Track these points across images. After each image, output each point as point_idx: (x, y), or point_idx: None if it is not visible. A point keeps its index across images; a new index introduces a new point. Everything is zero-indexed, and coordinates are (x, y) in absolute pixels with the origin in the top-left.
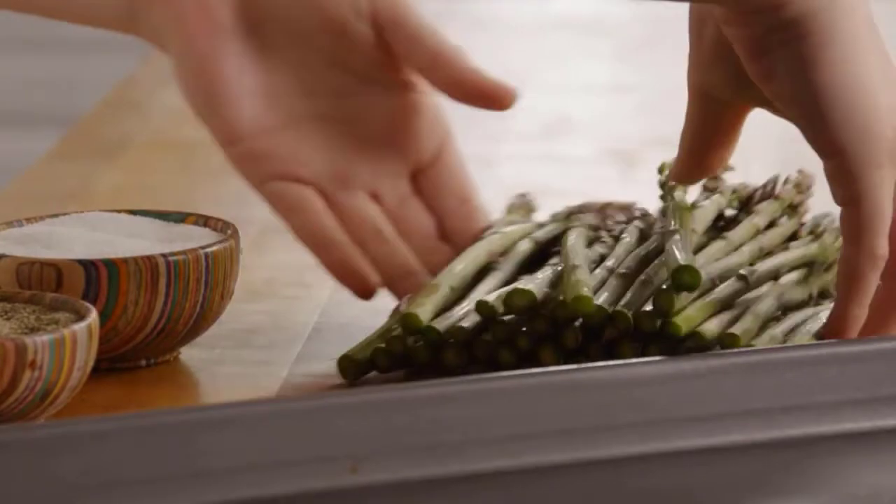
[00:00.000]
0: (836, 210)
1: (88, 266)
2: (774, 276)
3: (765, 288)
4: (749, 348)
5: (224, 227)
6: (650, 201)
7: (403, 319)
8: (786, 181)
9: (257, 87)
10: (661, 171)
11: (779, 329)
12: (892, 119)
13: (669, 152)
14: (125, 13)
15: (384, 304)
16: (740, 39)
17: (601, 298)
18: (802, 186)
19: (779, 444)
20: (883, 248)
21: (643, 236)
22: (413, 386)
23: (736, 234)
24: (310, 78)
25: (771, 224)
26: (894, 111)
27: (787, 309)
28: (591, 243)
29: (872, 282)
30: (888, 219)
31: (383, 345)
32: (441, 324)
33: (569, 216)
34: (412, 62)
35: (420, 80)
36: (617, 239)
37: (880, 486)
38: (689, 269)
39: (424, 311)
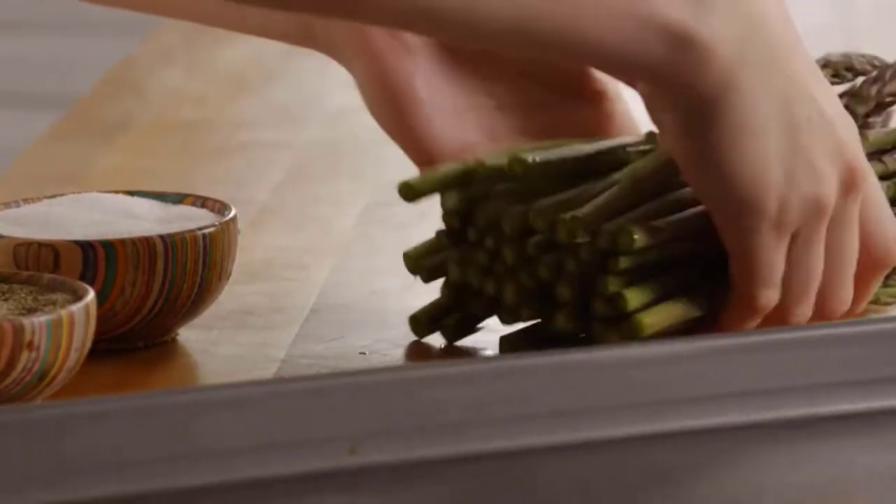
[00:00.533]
0: None
1: (86, 247)
2: None
3: None
4: (749, 330)
5: (222, 209)
6: None
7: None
8: None
9: (449, 104)
10: None
11: None
12: (779, 189)
13: None
14: (300, 28)
15: (383, 286)
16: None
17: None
18: None
19: (772, 425)
20: (763, 299)
21: None
22: (411, 367)
23: None
24: (502, 92)
25: None
26: (790, 179)
27: None
28: None
29: (749, 324)
30: (767, 273)
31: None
32: None
33: None
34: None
35: (611, 88)
36: None
37: (873, 467)
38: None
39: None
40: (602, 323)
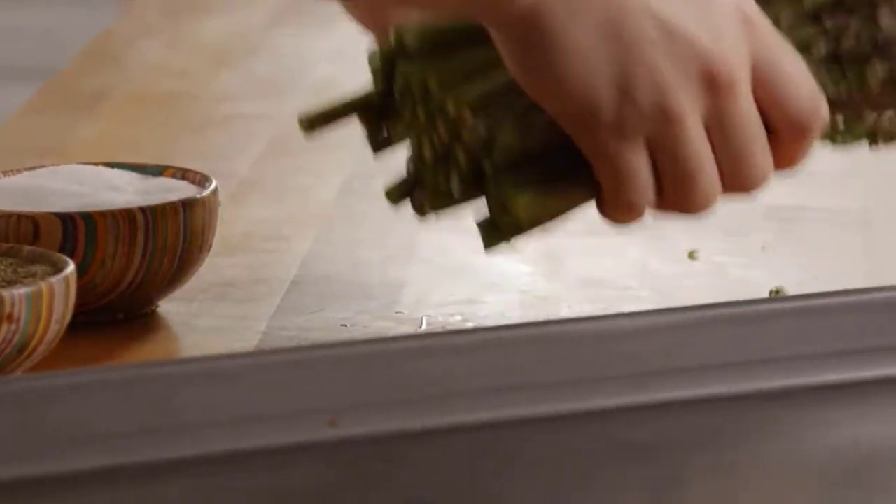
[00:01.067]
0: None
1: (66, 219)
2: None
3: None
4: (728, 301)
5: (203, 181)
6: None
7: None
8: None
9: None
10: None
11: None
12: (611, 102)
13: None
14: None
15: (365, 256)
16: None
17: None
18: None
19: (758, 396)
20: (625, 200)
21: None
22: (392, 339)
23: None
24: None
25: None
26: (624, 91)
27: None
28: None
29: (630, 218)
30: (623, 177)
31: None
32: None
33: None
34: None
35: None
36: None
37: (860, 438)
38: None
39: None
40: (491, 200)
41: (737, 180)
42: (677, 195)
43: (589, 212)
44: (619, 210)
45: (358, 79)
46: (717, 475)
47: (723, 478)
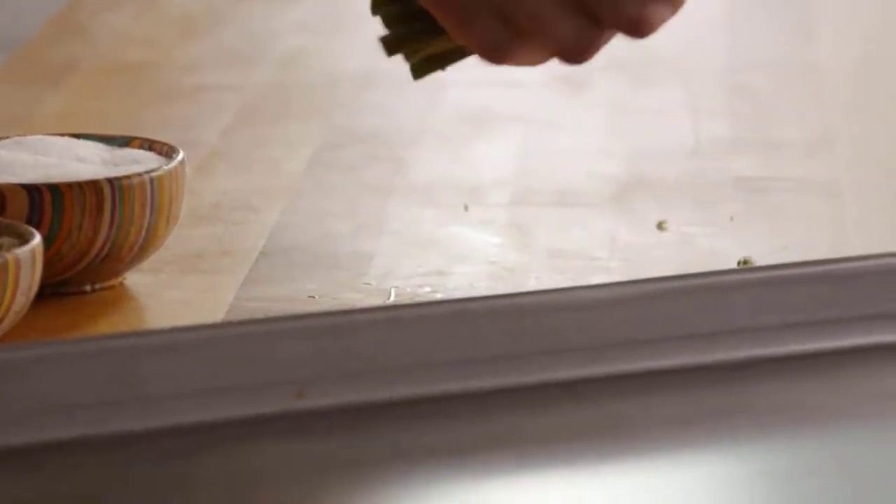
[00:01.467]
0: None
1: (32, 190)
2: None
3: None
4: (697, 272)
5: (170, 151)
6: (597, 127)
7: None
8: None
9: None
10: None
11: None
12: None
13: (619, 76)
14: None
15: (334, 227)
16: None
17: None
18: None
19: (726, 367)
20: (475, 42)
21: None
22: (358, 311)
23: None
24: None
25: None
26: None
27: None
28: None
29: (500, 59)
30: (460, 20)
31: None
32: None
33: None
34: None
35: None
36: None
37: (823, 407)
38: None
39: None
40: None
41: (614, 18)
42: (534, 31)
43: (558, 185)
44: (482, 52)
45: (325, 48)
46: (683, 445)
47: (689, 448)
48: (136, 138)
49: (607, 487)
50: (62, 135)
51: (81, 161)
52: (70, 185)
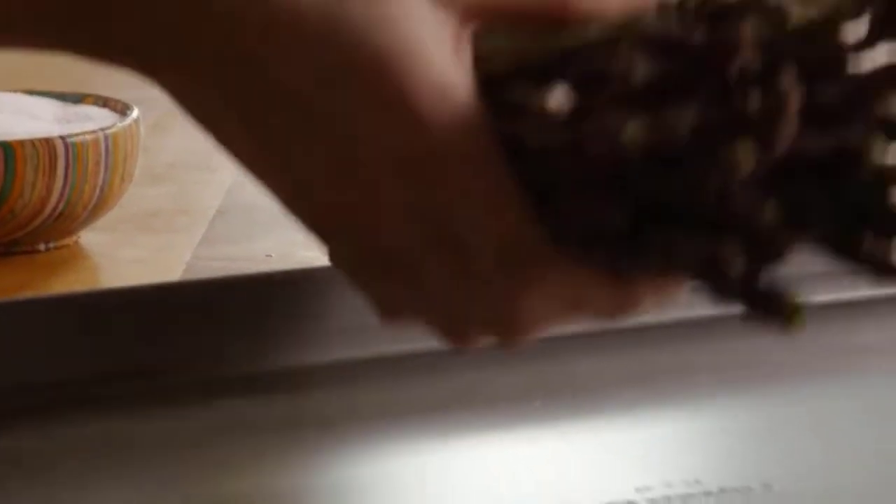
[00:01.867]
0: None
1: None
2: None
3: None
4: None
5: (124, 109)
6: None
7: None
8: None
9: None
10: None
11: None
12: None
13: None
14: None
15: None
16: None
17: None
18: None
19: (685, 324)
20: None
21: None
22: (315, 269)
23: None
24: None
25: None
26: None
27: None
28: None
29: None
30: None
31: None
32: None
33: None
34: None
35: None
36: None
37: (786, 363)
38: None
39: None
40: None
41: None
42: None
43: None
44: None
45: None
46: (646, 402)
47: (652, 405)
48: (89, 95)
49: (571, 444)
50: (14, 91)
51: (34, 118)
52: (22, 143)
